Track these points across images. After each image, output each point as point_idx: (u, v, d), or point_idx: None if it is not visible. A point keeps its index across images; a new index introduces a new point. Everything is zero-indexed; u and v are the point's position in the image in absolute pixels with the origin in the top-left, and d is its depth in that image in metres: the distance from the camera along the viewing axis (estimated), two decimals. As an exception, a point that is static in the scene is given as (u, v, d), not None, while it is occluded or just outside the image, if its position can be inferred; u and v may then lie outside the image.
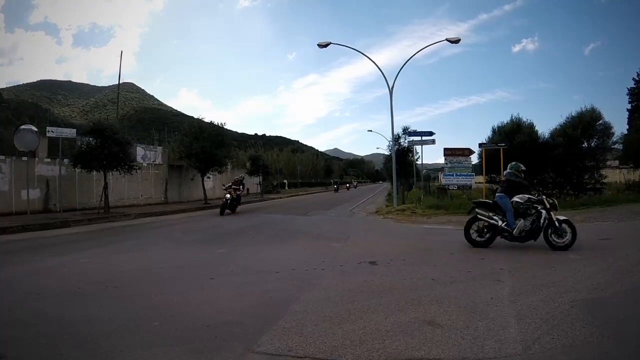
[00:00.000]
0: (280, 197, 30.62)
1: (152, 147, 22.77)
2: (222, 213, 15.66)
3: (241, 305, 4.34)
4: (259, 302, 4.44)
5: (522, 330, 3.41)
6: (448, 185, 18.62)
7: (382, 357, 3.00)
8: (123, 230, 11.58)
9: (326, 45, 17.81)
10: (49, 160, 15.72)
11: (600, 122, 18.30)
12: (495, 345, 3.13)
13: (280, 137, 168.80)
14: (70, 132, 14.77)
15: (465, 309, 3.99)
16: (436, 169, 49.41)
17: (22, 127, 13.54)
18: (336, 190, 46.12)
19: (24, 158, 13.99)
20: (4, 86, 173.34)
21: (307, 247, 8.47)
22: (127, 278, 5.62)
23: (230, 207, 16.11)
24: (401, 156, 23.56)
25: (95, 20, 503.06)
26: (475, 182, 19.58)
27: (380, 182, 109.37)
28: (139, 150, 20.55)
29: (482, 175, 18.14)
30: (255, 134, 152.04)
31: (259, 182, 31.09)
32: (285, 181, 49.55)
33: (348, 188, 54.18)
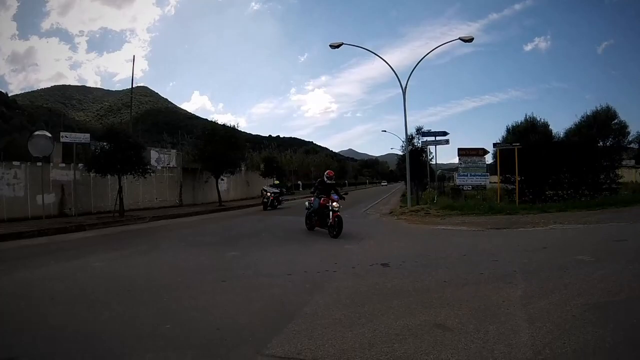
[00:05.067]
0: (294, 199, 30.63)
1: (166, 150, 23.04)
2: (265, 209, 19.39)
3: (252, 308, 4.37)
4: (269, 305, 4.47)
5: (533, 334, 3.37)
6: (462, 185, 18.50)
7: (390, 361, 2.99)
8: (137, 233, 11.72)
9: (338, 46, 17.71)
10: (63, 165, 15.92)
11: (615, 121, 17.98)
12: (505, 350, 3.10)
13: (294, 138, 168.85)
14: (84, 138, 14.98)
15: (476, 312, 3.96)
16: (451, 169, 48.62)
17: (36, 133, 13.69)
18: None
19: (39, 164, 14.19)
20: (18, 92, 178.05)
21: (320, 249, 8.47)
22: (140, 282, 5.70)
23: (271, 204, 19.78)
24: (415, 156, 23.40)
25: (107, 25, 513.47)
26: (490, 182, 19.37)
27: (384, 182, 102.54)
28: (153, 154, 20.70)
29: (497, 175, 17.95)
30: (269, 136, 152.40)
31: (273, 183, 31.16)
32: (299, 182, 49.50)
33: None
